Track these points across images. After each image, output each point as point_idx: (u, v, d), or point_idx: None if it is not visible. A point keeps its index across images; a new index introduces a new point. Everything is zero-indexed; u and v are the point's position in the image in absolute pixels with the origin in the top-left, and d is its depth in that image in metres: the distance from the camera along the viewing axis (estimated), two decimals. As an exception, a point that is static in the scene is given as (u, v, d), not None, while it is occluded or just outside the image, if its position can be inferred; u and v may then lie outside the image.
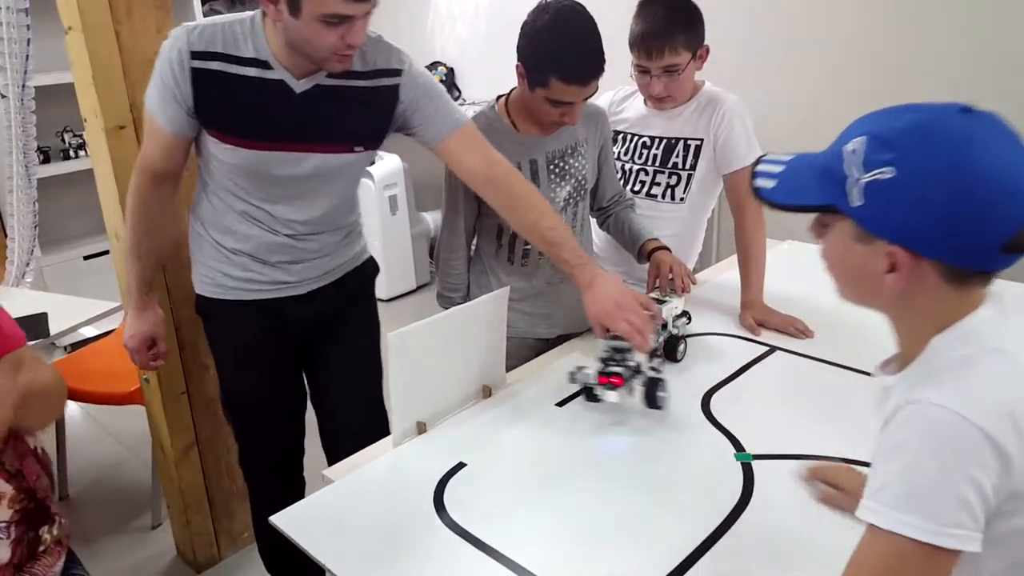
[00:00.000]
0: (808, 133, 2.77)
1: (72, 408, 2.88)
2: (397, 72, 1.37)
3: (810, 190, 0.75)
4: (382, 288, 3.63)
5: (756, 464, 1.19)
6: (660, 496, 1.13)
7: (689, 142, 1.78)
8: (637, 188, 1.85)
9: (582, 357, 1.57)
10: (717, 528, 1.05)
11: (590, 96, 1.46)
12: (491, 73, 3.72)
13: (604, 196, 1.71)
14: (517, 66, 1.46)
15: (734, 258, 1.81)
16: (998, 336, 0.71)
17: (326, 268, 1.52)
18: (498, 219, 1.59)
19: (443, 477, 1.18)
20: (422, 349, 1.27)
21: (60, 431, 2.45)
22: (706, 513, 1.08)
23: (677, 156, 1.80)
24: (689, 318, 1.59)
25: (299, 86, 1.32)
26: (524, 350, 1.60)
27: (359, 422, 1.56)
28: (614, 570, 0.99)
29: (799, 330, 1.61)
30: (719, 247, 2.84)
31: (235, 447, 1.70)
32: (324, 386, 1.64)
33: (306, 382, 1.66)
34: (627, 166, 1.86)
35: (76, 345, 2.87)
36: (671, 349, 1.51)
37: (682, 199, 1.82)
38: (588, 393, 1.35)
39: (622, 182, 1.83)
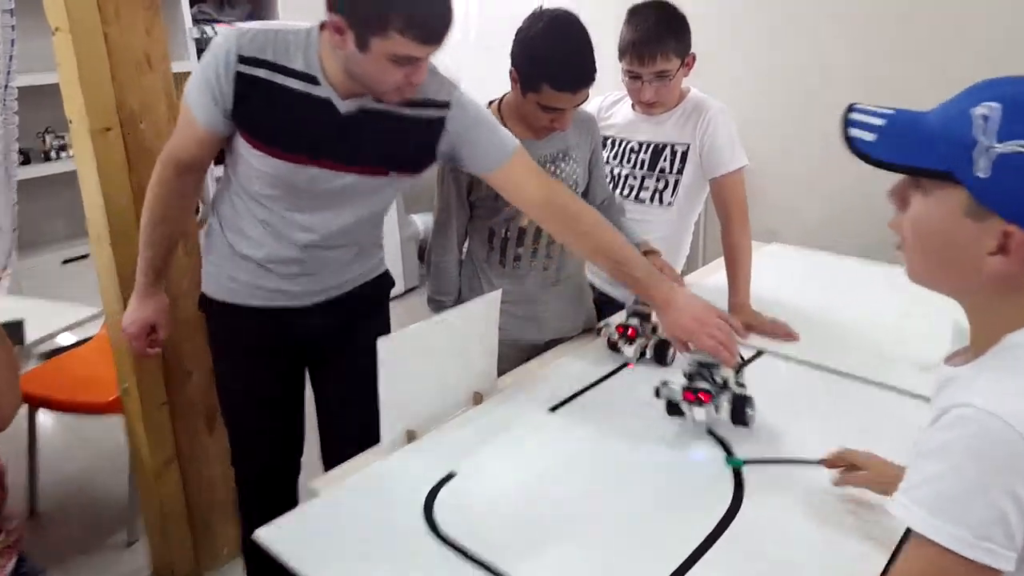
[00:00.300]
0: (789, 140, 2.80)
1: (46, 418, 2.81)
2: (445, 104, 1.36)
3: (924, 151, 0.67)
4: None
5: (747, 469, 1.20)
6: (653, 503, 1.14)
7: (676, 147, 1.80)
8: (626, 192, 1.85)
9: (574, 361, 1.58)
10: (710, 534, 1.06)
11: (581, 103, 1.48)
12: (482, 78, 3.70)
13: (594, 200, 1.72)
14: (511, 71, 1.48)
15: (721, 261, 1.82)
16: None
17: (328, 284, 1.48)
18: (490, 222, 1.59)
19: (433, 488, 1.17)
20: (412, 355, 1.26)
21: (32, 442, 2.37)
22: (699, 519, 1.08)
23: (665, 161, 1.81)
24: None
25: (344, 106, 1.29)
26: (515, 353, 1.60)
27: (357, 439, 1.53)
28: (608, 577, 0.99)
29: (785, 333, 1.62)
30: (705, 250, 2.86)
31: (219, 459, 1.68)
32: (327, 399, 1.63)
33: (312, 391, 1.65)
34: (616, 170, 1.86)
35: (51, 353, 2.82)
36: (660, 353, 1.52)
37: (670, 203, 1.83)
38: (671, 407, 1.30)
39: (611, 186, 1.84)
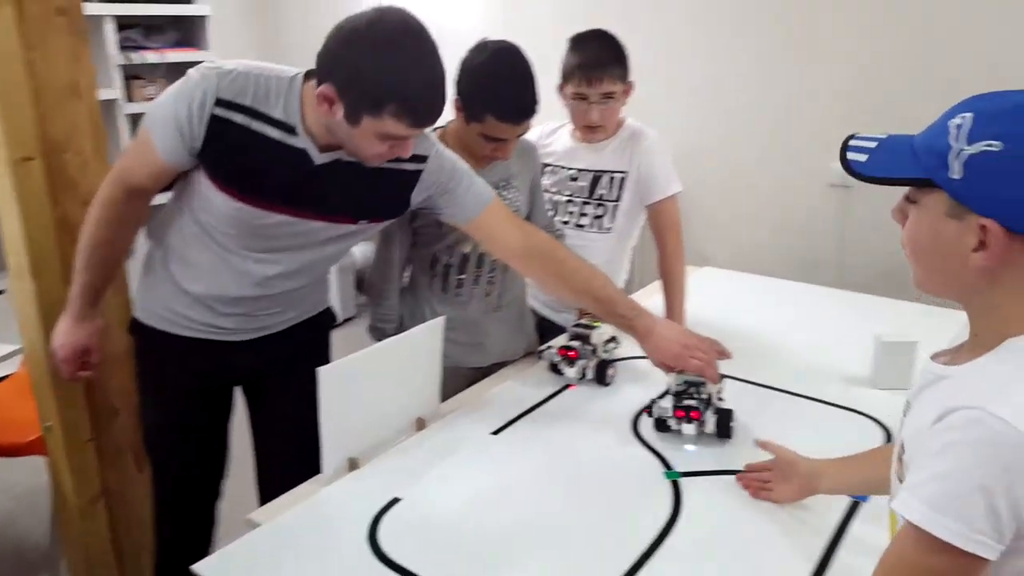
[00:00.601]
0: (721, 169, 2.92)
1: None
2: (423, 159, 1.36)
3: (907, 164, 0.74)
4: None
5: (684, 481, 1.24)
6: (595, 519, 1.16)
7: (614, 175, 1.86)
8: (566, 219, 1.90)
9: (516, 384, 1.60)
10: (650, 545, 1.09)
11: (523, 134, 1.52)
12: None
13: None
14: (455, 100, 1.50)
15: (657, 284, 1.88)
16: None
17: (269, 323, 1.46)
18: (432, 249, 1.61)
19: (377, 513, 1.16)
20: (353, 383, 1.26)
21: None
22: (640, 531, 1.11)
23: (603, 188, 1.87)
24: (617, 343, 1.63)
25: (319, 158, 1.27)
26: (457, 380, 1.61)
27: (296, 469, 1.51)
28: (554, 593, 1.00)
29: (718, 352, 1.67)
30: (641, 275, 2.93)
31: (149, 497, 1.62)
32: (265, 430, 1.59)
33: (248, 418, 1.61)
34: (555, 198, 1.91)
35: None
36: (600, 373, 1.55)
37: (609, 228, 1.88)
38: (660, 424, 1.37)
39: (551, 213, 1.88)
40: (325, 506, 1.20)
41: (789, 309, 2.00)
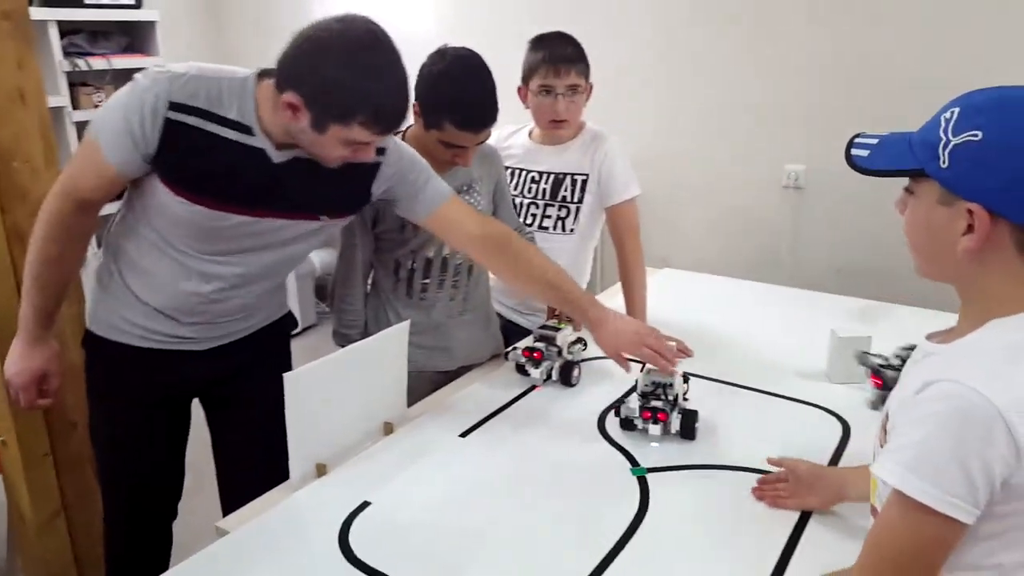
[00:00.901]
0: (679, 173, 2.98)
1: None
2: (382, 151, 1.36)
3: (903, 156, 0.80)
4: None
5: (650, 477, 1.26)
6: (564, 517, 1.17)
7: (576, 177, 1.88)
8: (529, 221, 1.92)
9: (482, 387, 1.61)
10: (619, 540, 1.11)
11: (483, 141, 1.53)
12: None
13: None
14: (414, 105, 1.50)
15: (619, 286, 1.91)
16: None
17: (231, 330, 1.45)
18: (396, 253, 1.61)
19: (347, 517, 1.16)
20: (319, 389, 1.25)
21: None
22: (607, 527, 1.13)
23: (566, 190, 1.89)
24: (585, 344, 1.66)
25: (277, 156, 1.26)
26: (424, 384, 1.61)
27: (263, 477, 1.49)
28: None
29: (679, 350, 1.71)
30: (603, 277, 2.96)
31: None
32: (227, 441, 1.56)
33: (209, 431, 1.58)
34: (517, 200, 1.93)
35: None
36: (566, 374, 1.57)
37: (572, 230, 1.91)
38: (626, 423, 1.39)
39: None
40: (294, 512, 1.19)
41: (747, 308, 2.05)
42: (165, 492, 1.56)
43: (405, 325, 1.41)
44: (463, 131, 1.46)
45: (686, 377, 1.45)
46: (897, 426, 0.78)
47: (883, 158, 0.82)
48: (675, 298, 2.10)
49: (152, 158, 1.22)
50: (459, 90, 1.45)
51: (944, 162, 0.77)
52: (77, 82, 3.25)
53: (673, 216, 3.03)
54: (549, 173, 1.90)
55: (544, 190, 1.90)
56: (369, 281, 1.69)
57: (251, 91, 1.24)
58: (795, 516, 1.15)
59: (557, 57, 1.76)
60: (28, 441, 1.72)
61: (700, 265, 2.50)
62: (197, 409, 1.57)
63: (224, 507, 1.56)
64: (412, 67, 1.50)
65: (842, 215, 2.69)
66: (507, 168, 1.91)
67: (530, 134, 1.94)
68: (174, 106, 1.19)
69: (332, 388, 1.28)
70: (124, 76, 3.00)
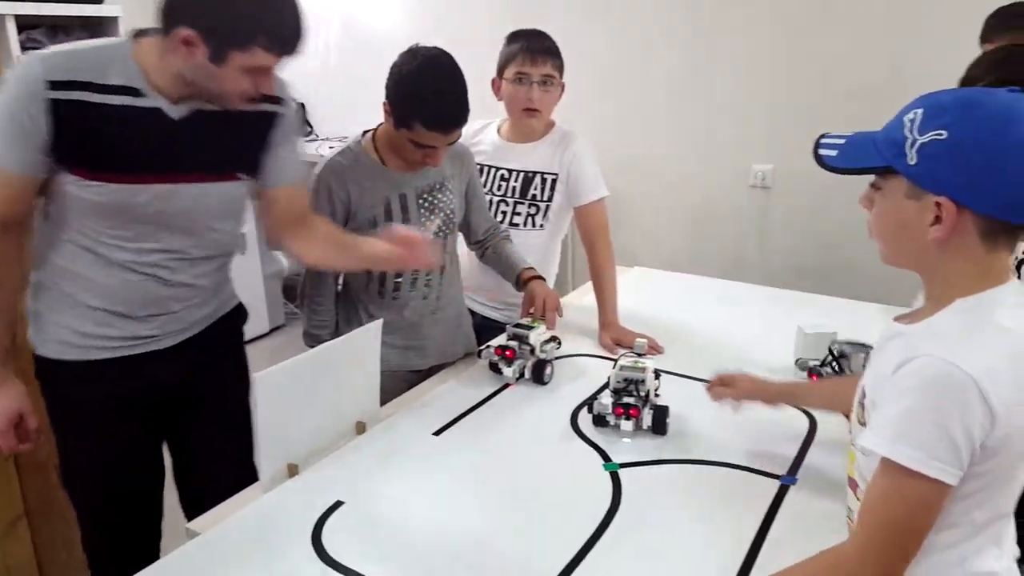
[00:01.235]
0: (648, 174, 3.01)
1: None
2: (279, 100, 1.35)
3: (870, 155, 0.85)
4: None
5: (623, 472, 1.27)
6: (538, 514, 1.18)
7: (546, 176, 1.90)
8: (499, 218, 1.93)
9: (455, 386, 1.60)
10: (592, 535, 1.12)
11: (453, 141, 1.52)
12: (344, 109, 3.70)
13: (478, 230, 1.77)
14: (384, 104, 1.50)
15: (591, 284, 1.92)
16: (1009, 314, 0.82)
17: (192, 319, 1.41)
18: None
19: (320, 517, 1.15)
20: (290, 389, 1.24)
21: None
22: (580, 522, 1.14)
23: (536, 189, 1.91)
24: (559, 343, 1.68)
25: (176, 112, 1.24)
26: (396, 383, 1.60)
27: (233, 481, 1.46)
28: (500, 587, 1.02)
29: (651, 347, 1.73)
30: (574, 275, 2.98)
31: (74, 515, 1.54)
32: (192, 448, 1.53)
33: (167, 447, 1.54)
34: (487, 197, 1.92)
35: None
36: (538, 372, 1.57)
37: (541, 226, 1.93)
38: (599, 419, 1.40)
39: None
40: (267, 512, 1.18)
41: (716, 305, 2.08)
42: (148, 500, 1.51)
43: (378, 324, 1.40)
44: (433, 131, 1.46)
45: (657, 373, 1.46)
46: (878, 403, 0.84)
47: (851, 157, 0.87)
48: (646, 296, 2.12)
49: (49, 147, 1.19)
50: (429, 90, 1.45)
51: (912, 159, 0.81)
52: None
53: (643, 215, 3.06)
54: (519, 171, 1.91)
55: (514, 188, 1.91)
56: (339, 281, 1.68)
57: (130, 52, 1.21)
58: (765, 508, 1.17)
59: (534, 48, 1.79)
60: (-12, 446, 1.68)
61: (670, 263, 2.53)
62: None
63: (185, 507, 1.54)
64: (383, 66, 1.51)
65: (808, 214, 2.74)
66: (476, 164, 1.91)
67: (499, 131, 1.95)
68: (54, 84, 1.16)
69: (304, 388, 1.27)
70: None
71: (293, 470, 1.27)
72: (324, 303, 1.64)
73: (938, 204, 0.80)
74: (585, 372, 1.65)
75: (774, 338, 1.77)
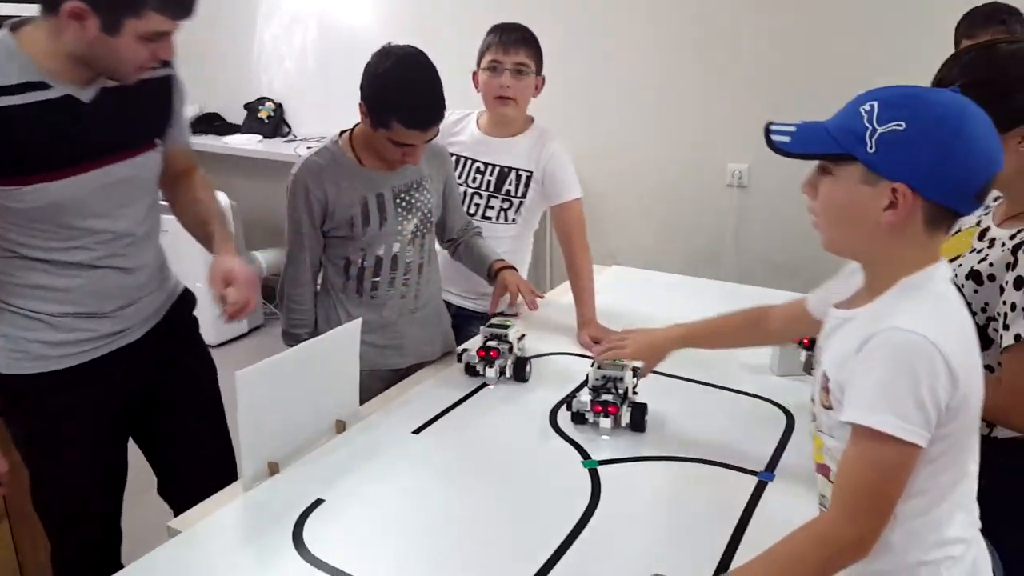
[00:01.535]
0: (626, 174, 3.03)
1: None
2: (168, 63, 1.35)
3: (825, 142, 0.89)
4: (210, 333, 3.39)
5: (602, 469, 1.29)
6: (518, 511, 1.19)
7: (521, 172, 1.92)
8: (472, 211, 1.95)
9: (435, 384, 1.61)
10: (571, 531, 1.13)
11: (431, 139, 1.53)
12: (322, 109, 3.68)
13: (453, 228, 1.78)
14: (360, 104, 1.50)
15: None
16: (948, 288, 0.90)
17: (155, 306, 1.43)
18: (345, 251, 1.60)
19: (301, 515, 1.16)
20: (271, 387, 1.24)
21: None
22: (560, 519, 1.15)
23: (510, 184, 1.93)
24: (523, 336, 1.68)
25: (86, 95, 1.23)
26: (375, 382, 1.60)
27: (212, 471, 1.46)
28: (480, 583, 1.03)
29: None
30: (553, 274, 3.00)
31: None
32: (172, 442, 1.53)
33: (140, 446, 1.54)
34: (461, 189, 1.94)
35: None
36: (519, 370, 1.58)
37: (514, 220, 1.96)
38: (577, 417, 1.41)
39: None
40: (247, 510, 1.18)
41: (693, 303, 2.08)
42: (119, 501, 1.51)
43: (357, 323, 1.41)
44: (411, 130, 1.46)
45: (635, 371, 1.48)
46: (849, 383, 0.87)
47: (805, 143, 0.91)
48: (623, 295, 2.13)
49: None
50: (405, 89, 1.46)
51: (871, 147, 0.85)
52: None
53: (621, 215, 3.08)
54: (495, 166, 1.93)
55: (489, 181, 1.94)
56: (318, 280, 1.68)
57: (14, 47, 1.18)
58: (743, 504, 1.19)
59: (507, 38, 1.83)
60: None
61: (647, 262, 2.54)
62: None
63: (170, 503, 1.53)
64: (360, 66, 1.51)
65: (785, 213, 2.77)
66: (453, 155, 1.92)
67: (478, 123, 1.96)
68: None
69: (284, 387, 1.27)
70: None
71: (274, 468, 1.27)
72: (303, 302, 1.64)
73: (894, 190, 0.85)
74: (563, 370, 1.66)
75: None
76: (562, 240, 1.93)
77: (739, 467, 1.28)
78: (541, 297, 1.72)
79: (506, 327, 1.62)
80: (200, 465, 1.51)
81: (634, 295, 2.15)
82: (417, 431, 1.41)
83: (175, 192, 1.50)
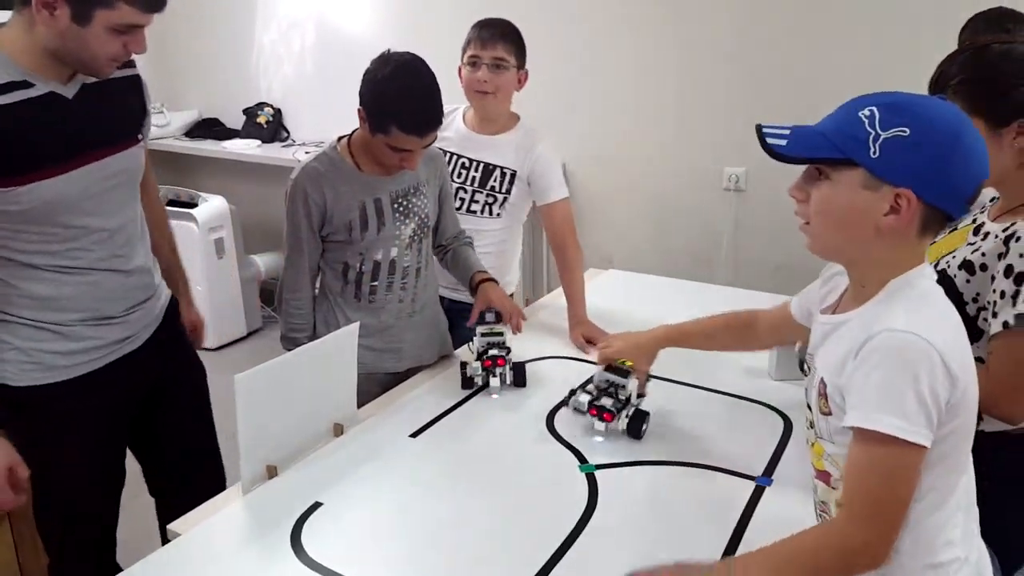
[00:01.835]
0: (622, 178, 3.04)
1: None
2: (132, 64, 1.37)
3: (826, 147, 0.89)
4: (208, 337, 3.40)
5: (599, 473, 1.29)
6: (515, 515, 1.20)
7: (505, 170, 1.95)
8: (457, 205, 1.96)
9: (432, 388, 1.61)
10: (568, 536, 1.13)
11: (429, 144, 1.54)
12: (320, 114, 3.69)
13: (444, 234, 1.79)
14: (359, 110, 1.51)
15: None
16: (931, 286, 0.90)
17: (156, 310, 1.45)
18: (344, 256, 1.61)
19: (299, 518, 1.16)
20: (270, 391, 1.25)
21: None
22: (556, 524, 1.16)
23: (495, 181, 1.96)
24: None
25: (69, 91, 1.24)
26: (373, 386, 1.61)
27: (202, 473, 1.47)
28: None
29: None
30: (549, 276, 3.00)
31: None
32: (166, 439, 1.54)
33: (131, 443, 1.55)
34: None
35: None
36: (519, 375, 1.59)
37: (498, 214, 1.99)
38: (576, 410, 1.43)
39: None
40: (246, 513, 1.19)
41: (690, 308, 2.09)
42: (117, 507, 1.52)
43: (354, 327, 1.41)
44: (409, 135, 1.47)
45: (648, 377, 1.47)
46: (849, 387, 0.87)
47: (803, 147, 0.91)
48: (620, 298, 2.14)
49: None
50: (404, 95, 1.47)
51: (875, 152, 0.86)
52: None
53: (618, 218, 3.09)
54: (480, 162, 1.96)
55: (474, 177, 1.96)
56: (317, 284, 1.69)
57: None
58: (741, 509, 1.19)
59: (486, 33, 1.85)
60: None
61: (644, 266, 2.55)
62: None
63: (162, 506, 1.55)
64: (358, 71, 1.52)
65: (782, 216, 2.77)
66: (440, 150, 1.92)
67: (464, 119, 1.98)
68: None
69: (282, 390, 1.27)
70: None
71: (272, 471, 1.27)
72: (301, 306, 1.64)
73: (898, 195, 0.85)
74: (560, 374, 1.66)
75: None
76: (553, 240, 1.98)
77: (736, 472, 1.29)
78: (524, 319, 1.72)
79: (500, 333, 1.61)
80: (194, 464, 1.54)
81: (630, 299, 2.16)
82: (414, 434, 1.42)
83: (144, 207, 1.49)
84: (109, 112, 1.31)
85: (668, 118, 2.93)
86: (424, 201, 1.65)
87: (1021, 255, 1.11)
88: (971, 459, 0.93)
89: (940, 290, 0.91)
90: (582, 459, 1.34)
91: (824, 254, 0.96)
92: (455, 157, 1.97)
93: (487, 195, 1.96)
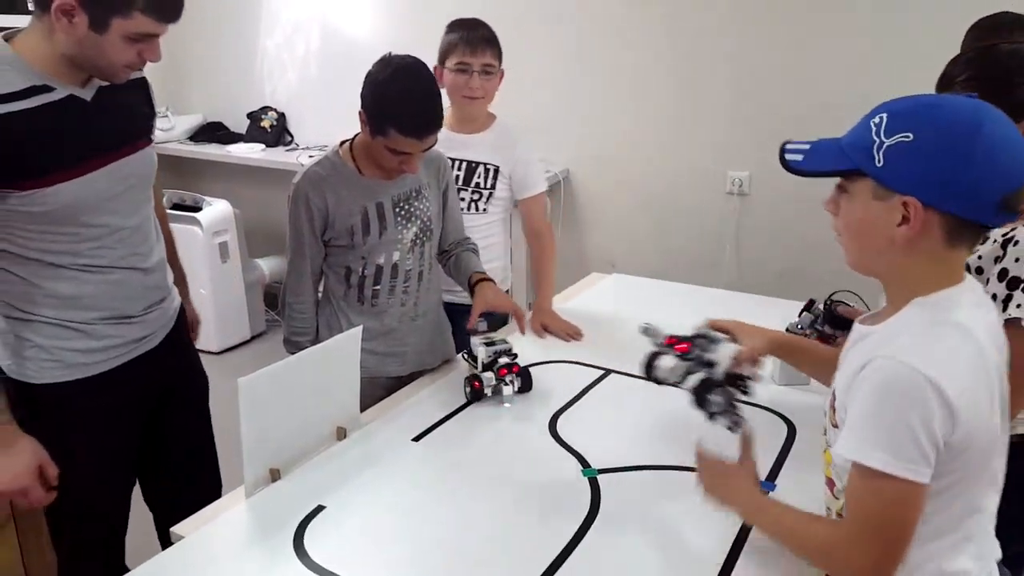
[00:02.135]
0: (623, 182, 3.04)
1: None
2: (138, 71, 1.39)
3: (837, 158, 0.87)
4: (212, 340, 3.43)
5: (601, 478, 1.29)
6: (517, 519, 1.20)
7: (488, 166, 1.99)
8: None
9: (435, 392, 1.61)
10: (570, 540, 1.13)
11: (429, 147, 1.54)
12: (324, 118, 3.70)
13: (447, 239, 1.79)
14: (360, 113, 1.51)
15: (579, 284, 2.00)
16: (967, 315, 0.85)
17: (169, 312, 1.48)
18: (346, 260, 1.61)
19: (302, 521, 1.16)
20: (273, 394, 1.25)
21: None
22: (559, 528, 1.16)
23: (479, 177, 2.00)
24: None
25: (87, 94, 1.27)
26: (376, 390, 1.61)
27: (204, 473, 1.48)
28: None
29: (570, 335, 1.85)
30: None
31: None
32: (172, 440, 1.56)
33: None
34: None
35: None
36: (526, 381, 1.58)
37: (485, 209, 2.03)
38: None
39: None
40: (249, 516, 1.19)
41: (694, 312, 2.09)
42: (127, 508, 1.53)
43: (358, 331, 1.42)
44: (409, 138, 1.48)
45: (497, 342, 1.54)
46: (847, 405, 0.86)
47: (819, 161, 0.89)
48: (623, 302, 2.14)
49: None
50: (404, 98, 1.48)
51: (879, 161, 0.84)
52: None
53: (621, 222, 3.09)
54: (463, 160, 1.99)
55: (458, 175, 1.99)
56: (320, 288, 1.69)
57: (12, 55, 1.21)
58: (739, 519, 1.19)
59: (474, 38, 1.87)
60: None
61: (647, 270, 2.55)
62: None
63: (159, 506, 1.56)
64: (358, 76, 1.53)
65: (785, 220, 2.78)
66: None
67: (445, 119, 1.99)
68: None
69: (285, 393, 1.28)
70: None
71: (275, 474, 1.28)
72: (305, 310, 1.65)
73: (905, 204, 0.83)
74: (565, 378, 1.66)
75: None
76: (529, 231, 2.06)
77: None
78: (522, 317, 1.73)
79: (505, 340, 1.60)
80: (196, 464, 1.56)
81: (633, 302, 2.16)
82: (417, 438, 1.42)
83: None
84: (125, 113, 1.34)
85: (672, 122, 2.93)
86: (426, 204, 1.66)
87: (1017, 259, 1.11)
88: (990, 502, 0.89)
89: (968, 317, 0.85)
90: (585, 463, 1.34)
91: (857, 268, 0.93)
92: None
93: (472, 192, 2.00)
